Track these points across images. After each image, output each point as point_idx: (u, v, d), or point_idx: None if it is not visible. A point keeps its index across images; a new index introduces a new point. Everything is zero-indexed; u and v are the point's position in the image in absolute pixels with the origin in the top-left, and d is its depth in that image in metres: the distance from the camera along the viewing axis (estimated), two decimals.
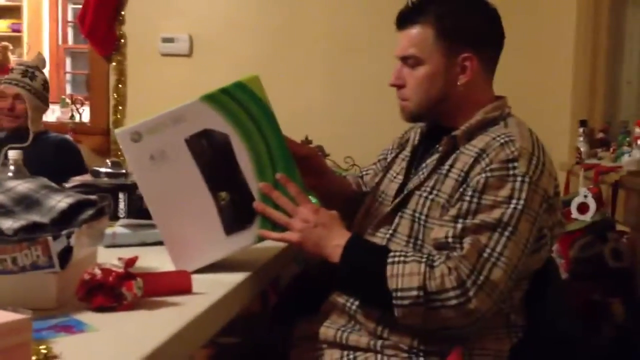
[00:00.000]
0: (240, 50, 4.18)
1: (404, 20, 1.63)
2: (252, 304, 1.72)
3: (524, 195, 1.45)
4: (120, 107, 4.35)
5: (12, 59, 6.02)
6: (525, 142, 1.51)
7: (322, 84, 4.14)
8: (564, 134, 3.77)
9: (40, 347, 1.01)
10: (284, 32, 4.18)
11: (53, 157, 3.18)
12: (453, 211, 1.48)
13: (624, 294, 2.38)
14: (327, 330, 1.60)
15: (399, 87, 1.65)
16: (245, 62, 4.09)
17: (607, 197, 2.72)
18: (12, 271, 1.20)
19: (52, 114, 5.06)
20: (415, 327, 1.48)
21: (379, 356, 1.53)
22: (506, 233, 1.43)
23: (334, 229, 1.55)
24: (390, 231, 1.60)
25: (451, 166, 1.55)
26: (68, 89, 6.62)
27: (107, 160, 2.19)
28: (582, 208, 2.59)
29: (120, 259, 1.29)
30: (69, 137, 3.69)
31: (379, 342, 1.53)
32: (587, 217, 2.57)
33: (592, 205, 2.58)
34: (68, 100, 5.38)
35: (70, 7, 6.83)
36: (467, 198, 1.47)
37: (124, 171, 2.06)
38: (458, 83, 1.60)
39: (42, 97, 3.37)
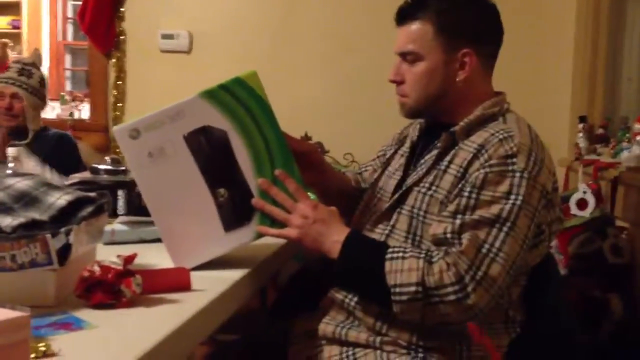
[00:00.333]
0: (240, 46, 4.18)
1: (403, 16, 1.63)
2: (251, 301, 1.72)
3: (522, 191, 1.45)
4: (119, 104, 4.35)
5: (12, 55, 6.02)
6: (524, 138, 1.51)
7: (321, 80, 4.14)
8: (564, 129, 3.78)
9: (39, 344, 1.01)
10: (284, 29, 4.18)
11: (51, 152, 3.18)
12: (452, 207, 1.48)
13: (622, 290, 2.39)
14: (326, 326, 1.61)
15: (398, 83, 1.65)
16: (244, 58, 4.09)
17: (606, 193, 2.72)
18: (10, 268, 1.20)
19: (52, 111, 5.06)
20: (414, 322, 1.48)
21: (378, 352, 1.53)
22: (505, 229, 1.43)
23: (333, 225, 1.55)
24: (389, 227, 1.60)
25: (450, 162, 1.55)
26: (68, 86, 6.62)
27: (107, 158, 2.19)
28: (581, 204, 2.60)
29: (119, 256, 1.29)
30: (68, 133, 3.69)
31: (378, 338, 1.53)
32: (586, 213, 2.58)
33: (591, 201, 2.58)
34: (68, 98, 5.38)
35: (70, 3, 6.82)
36: (466, 194, 1.47)
37: (123, 168, 2.06)
38: (457, 79, 1.60)
39: (39, 94, 3.37)
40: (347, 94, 4.11)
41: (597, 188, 2.63)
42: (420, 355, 1.51)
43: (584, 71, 3.60)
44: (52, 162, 3.03)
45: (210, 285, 1.40)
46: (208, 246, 1.56)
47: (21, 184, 1.38)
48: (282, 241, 1.74)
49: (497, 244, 1.43)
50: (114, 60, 4.36)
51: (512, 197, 1.45)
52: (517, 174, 1.46)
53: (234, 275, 1.50)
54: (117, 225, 1.82)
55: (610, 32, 3.50)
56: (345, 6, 4.11)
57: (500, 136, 1.51)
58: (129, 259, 1.29)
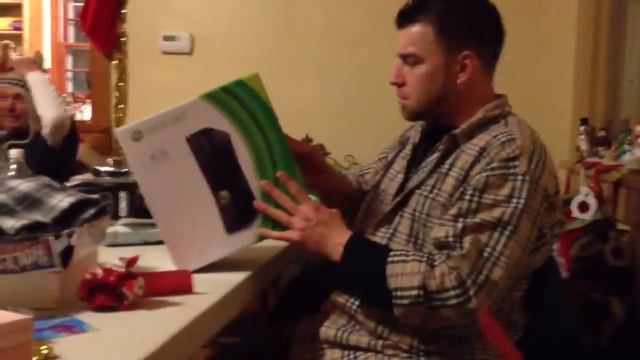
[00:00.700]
0: (241, 48, 4.18)
1: (404, 18, 1.63)
2: (252, 304, 1.72)
3: (524, 194, 1.45)
4: (121, 105, 4.35)
5: (13, 57, 6.01)
6: (526, 140, 1.51)
7: (323, 81, 4.15)
8: (565, 132, 3.77)
9: (41, 347, 1.01)
10: (285, 31, 4.18)
11: (40, 150, 3.18)
12: (453, 210, 1.48)
13: (624, 293, 2.38)
14: (328, 330, 1.60)
15: (399, 85, 1.65)
16: (246, 60, 4.09)
17: (608, 195, 2.72)
18: (13, 271, 1.21)
19: None
20: (416, 326, 1.48)
21: (379, 356, 1.53)
22: (506, 232, 1.43)
23: (335, 228, 1.55)
24: (391, 230, 1.60)
25: (451, 165, 1.55)
26: (69, 87, 6.63)
27: (109, 159, 2.19)
28: (583, 207, 2.59)
29: (121, 258, 1.29)
30: None
31: (380, 342, 1.53)
32: (588, 216, 2.57)
33: (593, 204, 2.58)
34: (69, 99, 5.38)
35: (71, 4, 6.83)
36: (468, 197, 1.47)
37: (125, 170, 2.06)
38: (458, 81, 1.60)
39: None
40: (348, 96, 4.12)
41: (598, 191, 2.63)
42: (422, 358, 1.51)
43: (585, 73, 3.59)
44: (43, 159, 3.03)
45: (213, 288, 1.40)
46: (210, 249, 1.56)
47: (24, 186, 1.38)
48: (284, 244, 1.74)
49: (498, 248, 1.42)
50: (115, 61, 4.36)
51: (514, 200, 1.45)
52: (519, 177, 1.46)
53: (236, 277, 1.50)
54: (119, 227, 1.82)
55: (611, 34, 3.50)
56: (346, 8, 4.11)
57: (502, 139, 1.51)
58: (132, 262, 1.29)
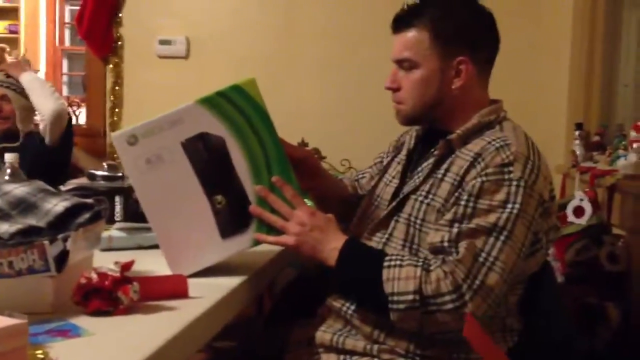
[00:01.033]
0: (237, 52, 4.19)
1: (399, 23, 1.63)
2: (247, 309, 1.72)
3: (519, 199, 1.46)
4: (117, 109, 4.35)
5: (9, 60, 6.02)
6: (521, 146, 1.52)
7: (319, 86, 4.15)
8: (560, 136, 3.78)
9: (37, 351, 1.00)
10: (281, 35, 4.18)
11: (32, 152, 3.18)
12: (449, 215, 1.48)
13: (619, 298, 2.39)
14: (324, 334, 1.60)
15: (395, 90, 1.65)
16: (241, 64, 4.10)
17: (603, 200, 2.72)
18: (8, 275, 1.20)
19: None
20: (412, 331, 1.48)
21: None
22: (502, 237, 1.44)
23: (330, 232, 1.55)
24: (386, 235, 1.60)
25: (447, 170, 1.55)
26: (65, 91, 6.63)
27: (104, 163, 2.19)
28: (578, 211, 2.60)
29: (116, 263, 1.29)
30: None
31: (376, 347, 1.53)
32: (583, 221, 2.58)
33: (588, 208, 2.58)
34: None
35: (67, 8, 6.84)
36: (463, 202, 1.47)
37: (120, 174, 2.06)
38: (453, 87, 1.60)
39: (28, 95, 3.36)
40: (343, 100, 4.12)
41: (593, 195, 2.64)
42: None
43: (580, 78, 3.60)
44: (36, 161, 3.04)
45: (208, 292, 1.40)
46: (205, 253, 1.56)
47: (18, 190, 1.38)
48: (279, 248, 1.74)
49: (494, 253, 1.43)
50: (111, 65, 4.35)
51: (509, 205, 1.45)
52: (514, 183, 1.47)
53: (231, 282, 1.50)
54: (114, 232, 1.82)
55: (606, 39, 3.51)
56: (343, 12, 4.12)
57: (497, 145, 1.51)
58: (127, 266, 1.29)
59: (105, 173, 2.07)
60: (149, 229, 1.65)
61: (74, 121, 4.70)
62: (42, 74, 3.67)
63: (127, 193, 1.94)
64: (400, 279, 1.43)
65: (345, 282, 1.55)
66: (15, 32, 6.49)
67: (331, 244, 1.53)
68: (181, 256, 1.54)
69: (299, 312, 1.79)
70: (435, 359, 1.50)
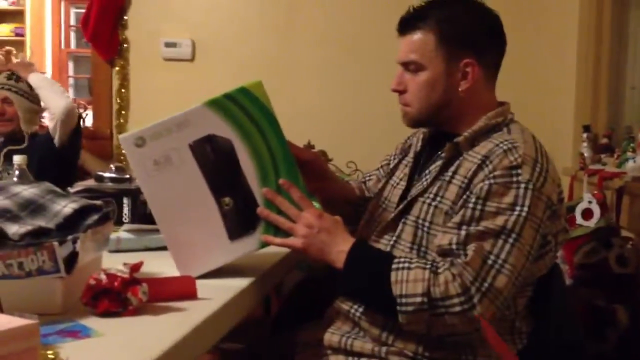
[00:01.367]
0: (243, 55, 4.19)
1: (405, 25, 1.63)
2: (254, 310, 1.72)
3: (527, 202, 1.45)
4: (123, 112, 4.36)
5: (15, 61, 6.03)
6: (529, 148, 1.51)
7: (324, 88, 4.15)
8: (568, 139, 3.77)
9: (47, 352, 1.01)
10: (287, 37, 4.19)
11: (39, 153, 3.19)
12: (457, 218, 1.48)
13: (628, 300, 2.38)
14: (332, 336, 1.60)
15: (401, 92, 1.65)
16: (247, 66, 4.10)
17: (612, 202, 2.72)
18: (18, 276, 1.21)
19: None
20: (420, 333, 1.47)
21: None
22: (510, 240, 1.43)
23: (338, 235, 1.55)
24: (394, 238, 1.60)
25: (454, 173, 1.55)
26: (71, 93, 6.63)
27: (111, 165, 2.19)
28: (587, 214, 2.59)
29: (125, 264, 1.30)
30: None
31: (384, 349, 1.53)
32: (592, 223, 2.57)
33: (597, 211, 2.58)
34: None
35: (73, 11, 6.84)
36: (471, 205, 1.47)
37: (128, 176, 2.06)
38: (459, 89, 1.60)
39: (30, 97, 3.37)
40: (350, 102, 4.12)
41: (602, 198, 2.63)
42: None
43: (587, 80, 3.60)
44: (44, 162, 3.05)
45: (216, 294, 1.40)
46: (213, 255, 1.56)
47: (28, 192, 1.38)
48: (286, 250, 1.74)
49: (502, 256, 1.42)
50: (117, 68, 4.36)
51: (517, 208, 1.45)
52: (522, 185, 1.46)
53: (239, 283, 1.50)
54: (122, 233, 1.82)
55: (613, 42, 3.51)
56: (348, 14, 4.12)
57: (505, 147, 1.50)
58: (136, 267, 1.29)
59: (113, 175, 2.08)
60: (157, 231, 1.65)
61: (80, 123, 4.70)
62: (48, 76, 3.70)
63: (135, 195, 1.94)
64: (408, 282, 1.43)
65: (353, 284, 1.54)
66: (21, 35, 6.50)
67: (339, 246, 1.53)
68: (189, 258, 1.54)
69: (306, 314, 1.79)
70: None
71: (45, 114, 3.82)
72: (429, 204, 1.56)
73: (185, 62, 4.29)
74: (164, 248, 1.59)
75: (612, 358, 2.28)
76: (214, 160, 1.54)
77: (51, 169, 3.01)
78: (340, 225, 1.56)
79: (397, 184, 1.72)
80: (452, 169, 1.56)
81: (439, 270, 1.43)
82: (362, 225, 1.76)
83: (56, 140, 3.28)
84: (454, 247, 1.45)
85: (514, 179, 1.47)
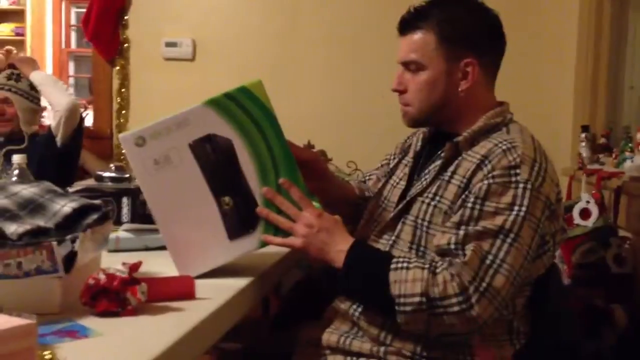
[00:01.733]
0: (244, 54, 4.19)
1: (405, 25, 1.64)
2: (252, 310, 1.72)
3: (526, 202, 1.45)
4: (123, 111, 4.35)
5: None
6: (528, 148, 1.51)
7: (325, 88, 4.15)
8: (566, 139, 3.77)
9: (45, 352, 1.01)
10: (288, 37, 4.18)
11: (39, 152, 3.19)
12: (455, 218, 1.48)
13: (626, 300, 2.38)
14: (330, 335, 1.61)
15: (401, 92, 1.65)
16: (248, 66, 4.09)
17: (610, 202, 2.72)
18: (16, 276, 1.21)
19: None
20: (418, 333, 1.48)
21: None
22: (508, 240, 1.43)
23: (337, 234, 1.55)
24: (393, 237, 1.60)
25: (453, 172, 1.55)
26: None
27: (111, 165, 2.20)
28: (585, 214, 2.59)
29: (124, 264, 1.30)
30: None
31: (382, 349, 1.53)
32: (590, 223, 2.57)
33: (595, 210, 2.58)
34: None
35: (73, 10, 6.84)
36: (470, 204, 1.47)
37: (127, 176, 2.06)
38: (459, 89, 1.60)
39: (30, 97, 3.37)
40: (350, 102, 4.12)
41: (600, 198, 2.63)
42: None
43: (586, 80, 3.60)
44: (44, 161, 3.06)
45: (215, 294, 1.40)
46: (212, 254, 1.56)
47: (27, 191, 1.38)
48: (285, 250, 1.74)
49: (500, 255, 1.43)
50: (117, 67, 4.36)
51: (516, 208, 1.45)
52: (521, 185, 1.47)
53: (238, 283, 1.50)
54: (121, 233, 1.83)
55: (612, 41, 3.51)
56: (348, 15, 4.11)
57: (504, 147, 1.51)
58: (135, 267, 1.29)
59: (113, 174, 2.08)
60: (156, 230, 1.65)
61: None
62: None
63: (135, 194, 1.94)
64: (407, 281, 1.43)
65: (352, 283, 1.55)
66: (22, 35, 6.50)
67: (338, 246, 1.53)
68: (188, 257, 1.54)
69: (305, 313, 1.79)
70: None
71: (45, 114, 3.83)
72: (428, 204, 1.56)
73: (186, 61, 4.28)
74: (163, 248, 1.59)
75: (610, 358, 2.29)
76: (214, 159, 1.54)
77: (51, 168, 3.01)
78: (339, 224, 1.57)
79: (397, 183, 1.73)
80: (452, 168, 1.56)
81: (438, 270, 1.43)
82: (362, 224, 1.76)
83: (58, 139, 3.28)
84: (452, 246, 1.45)
85: (513, 178, 1.47)
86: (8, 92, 3.30)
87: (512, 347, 1.55)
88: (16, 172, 1.65)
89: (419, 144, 1.75)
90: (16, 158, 1.68)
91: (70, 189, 1.95)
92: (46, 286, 1.24)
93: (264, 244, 1.58)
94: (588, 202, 2.61)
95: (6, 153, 3.20)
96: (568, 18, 3.83)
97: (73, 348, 1.08)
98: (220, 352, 1.85)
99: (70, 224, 1.31)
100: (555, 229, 1.55)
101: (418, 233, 1.56)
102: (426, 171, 1.62)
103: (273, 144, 1.56)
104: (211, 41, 4.25)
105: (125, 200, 1.96)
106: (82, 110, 4.48)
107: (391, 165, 1.83)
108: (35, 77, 3.34)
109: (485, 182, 1.47)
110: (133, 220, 1.95)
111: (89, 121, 4.68)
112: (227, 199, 1.55)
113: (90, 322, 1.21)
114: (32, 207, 1.34)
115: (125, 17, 4.33)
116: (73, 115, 3.29)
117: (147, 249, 1.80)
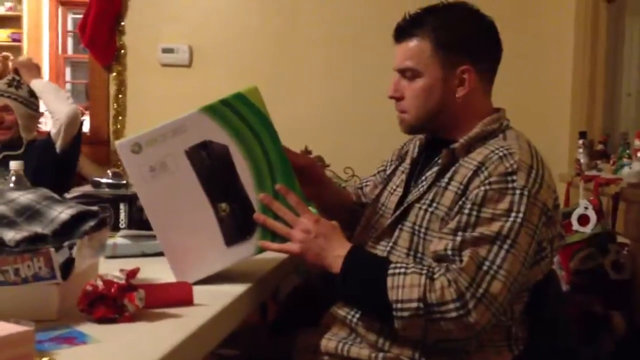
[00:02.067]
0: (240, 60, 4.19)
1: (401, 33, 1.64)
2: (251, 316, 1.72)
3: (523, 208, 1.45)
4: (120, 117, 4.35)
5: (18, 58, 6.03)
6: (524, 154, 1.52)
7: (322, 93, 4.16)
8: (564, 145, 3.78)
9: (43, 359, 1.01)
10: (284, 43, 4.19)
11: (36, 159, 3.19)
12: (452, 224, 1.48)
13: (624, 306, 2.38)
14: (329, 342, 1.60)
15: (397, 99, 1.66)
16: (244, 72, 4.10)
17: (608, 209, 2.72)
18: (14, 282, 1.21)
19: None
20: (416, 339, 1.48)
21: None
22: (505, 246, 1.43)
23: (335, 240, 1.55)
24: (391, 244, 1.60)
25: (450, 179, 1.55)
26: None
27: (108, 171, 2.19)
28: (583, 220, 2.59)
29: (122, 270, 1.29)
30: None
31: (380, 355, 1.53)
32: (588, 229, 2.57)
33: (593, 217, 2.58)
34: None
35: (70, 16, 6.85)
36: (466, 211, 1.47)
37: (124, 182, 2.06)
38: (456, 95, 1.60)
39: (30, 104, 3.37)
40: (347, 108, 4.12)
41: (598, 204, 2.63)
42: None
43: (583, 87, 3.61)
44: (42, 167, 3.05)
45: (213, 300, 1.40)
46: (210, 260, 1.56)
47: (24, 197, 1.38)
48: (283, 255, 1.75)
49: (497, 262, 1.42)
50: (114, 73, 4.36)
51: (513, 214, 1.45)
52: (517, 192, 1.47)
53: (236, 289, 1.50)
54: (119, 239, 1.82)
55: (609, 48, 3.52)
56: (346, 21, 4.12)
57: (500, 153, 1.51)
58: (132, 274, 1.29)
59: (110, 180, 2.07)
60: (153, 237, 1.65)
61: None
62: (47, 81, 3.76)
63: (132, 200, 1.94)
64: (404, 287, 1.43)
65: (349, 289, 1.55)
66: (18, 40, 6.51)
67: (336, 252, 1.53)
68: (186, 264, 1.54)
69: (303, 320, 1.79)
70: None
71: (42, 119, 3.83)
72: (425, 210, 1.56)
73: (183, 67, 4.29)
74: (160, 254, 1.59)
75: None
76: (210, 166, 1.54)
77: (49, 174, 3.01)
78: (337, 230, 1.57)
79: (394, 190, 1.73)
80: (448, 175, 1.56)
81: (435, 276, 1.43)
82: (359, 231, 1.76)
83: (58, 146, 3.28)
84: (449, 252, 1.45)
85: (510, 185, 1.47)
86: (8, 100, 3.30)
87: (510, 353, 1.55)
88: (13, 178, 1.64)
89: (416, 150, 1.75)
90: (13, 164, 1.67)
91: (67, 195, 1.95)
92: (44, 293, 1.23)
93: (261, 250, 1.58)
94: (586, 208, 2.61)
95: (3, 159, 3.20)
96: (565, 24, 3.85)
97: (71, 355, 1.08)
98: (218, 358, 1.84)
99: (67, 230, 1.30)
100: (552, 235, 1.55)
101: (415, 239, 1.56)
102: (423, 178, 1.62)
103: (269, 150, 1.56)
104: (208, 47, 4.26)
105: (122, 207, 1.96)
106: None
107: (387, 172, 1.83)
108: (36, 84, 3.34)
109: (482, 188, 1.47)
110: (130, 226, 1.94)
111: (85, 127, 4.68)
112: (223, 205, 1.55)
113: (88, 328, 1.21)
114: (30, 213, 1.34)
115: (122, 23, 4.33)
116: (73, 124, 3.29)
117: (145, 255, 1.79)
